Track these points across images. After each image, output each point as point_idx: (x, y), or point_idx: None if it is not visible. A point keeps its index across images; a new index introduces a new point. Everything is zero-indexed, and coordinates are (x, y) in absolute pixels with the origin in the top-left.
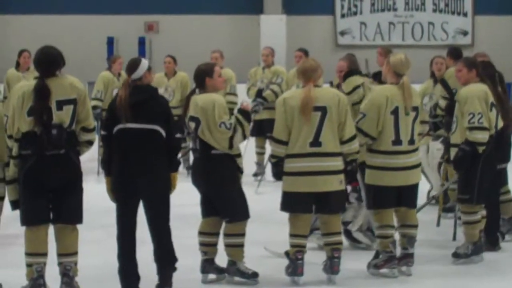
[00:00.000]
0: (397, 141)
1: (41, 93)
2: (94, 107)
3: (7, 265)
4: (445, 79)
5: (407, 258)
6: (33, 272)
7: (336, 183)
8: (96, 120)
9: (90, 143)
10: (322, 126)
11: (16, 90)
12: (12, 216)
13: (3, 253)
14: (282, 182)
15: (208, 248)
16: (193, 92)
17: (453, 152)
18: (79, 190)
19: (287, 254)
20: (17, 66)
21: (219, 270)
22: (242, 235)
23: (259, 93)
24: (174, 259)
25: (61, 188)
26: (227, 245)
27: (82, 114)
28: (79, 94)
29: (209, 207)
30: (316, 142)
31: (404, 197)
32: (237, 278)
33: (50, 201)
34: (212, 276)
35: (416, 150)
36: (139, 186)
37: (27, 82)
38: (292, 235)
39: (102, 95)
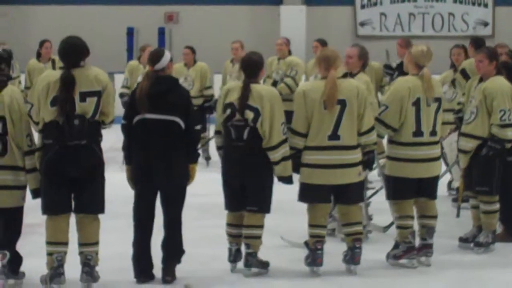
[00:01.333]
0: (418, 133)
1: (67, 83)
2: (121, 95)
3: (27, 254)
4: (465, 69)
5: (426, 248)
6: (53, 261)
7: (354, 175)
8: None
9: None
10: (341, 119)
11: (42, 79)
12: (33, 205)
13: (24, 242)
14: (300, 173)
15: (238, 239)
16: (248, 82)
17: (467, 142)
18: (101, 180)
19: (306, 244)
20: (38, 56)
21: (263, 264)
22: (262, 226)
23: (273, 85)
24: (181, 251)
25: (82, 178)
26: (249, 237)
27: (105, 107)
28: (103, 86)
29: (239, 200)
30: (334, 135)
31: (424, 188)
32: (254, 269)
33: (71, 191)
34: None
35: (438, 142)
36: (157, 176)
37: (53, 71)
38: (311, 225)
39: (127, 82)
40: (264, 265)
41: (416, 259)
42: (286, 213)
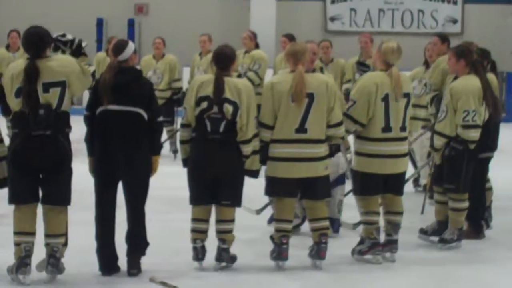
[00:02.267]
0: (387, 128)
1: (29, 75)
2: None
3: None
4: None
5: (391, 244)
6: (21, 251)
7: (321, 169)
8: None
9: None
10: (309, 113)
11: (8, 70)
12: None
13: None
14: (266, 166)
15: (204, 235)
16: (220, 74)
17: (438, 140)
18: (68, 172)
19: (272, 238)
20: (8, 46)
21: (232, 258)
22: (234, 220)
23: (238, 77)
24: (145, 243)
25: (48, 169)
26: (222, 231)
27: (75, 90)
28: (67, 76)
29: (208, 193)
30: (301, 129)
31: (391, 184)
32: (223, 263)
33: (38, 181)
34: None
35: (406, 138)
36: (119, 167)
37: (19, 62)
38: (277, 220)
39: (95, 74)
40: (233, 259)
41: (381, 255)
42: (251, 206)
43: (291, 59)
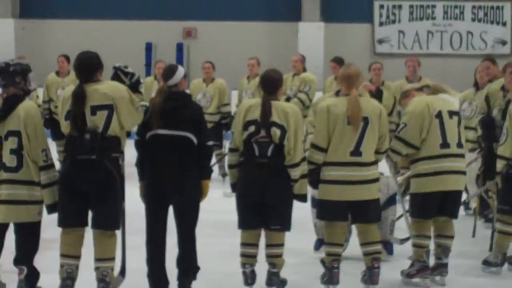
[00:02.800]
0: (445, 144)
1: (76, 98)
2: None
3: (44, 269)
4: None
5: (441, 268)
6: (63, 273)
7: (374, 192)
8: None
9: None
10: (364, 136)
11: (61, 95)
12: (50, 220)
13: (41, 257)
14: (319, 190)
15: (253, 259)
16: (267, 98)
17: (499, 163)
18: (115, 196)
19: (322, 262)
20: (58, 72)
21: (283, 282)
22: (284, 245)
23: (287, 101)
24: (195, 268)
25: (94, 193)
26: (272, 256)
27: (123, 118)
28: (114, 100)
29: (257, 218)
30: (357, 152)
31: (448, 205)
32: None
33: (86, 206)
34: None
35: (463, 155)
36: (169, 192)
37: (71, 87)
38: (328, 244)
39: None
40: (284, 283)
41: (429, 278)
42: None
43: (344, 83)
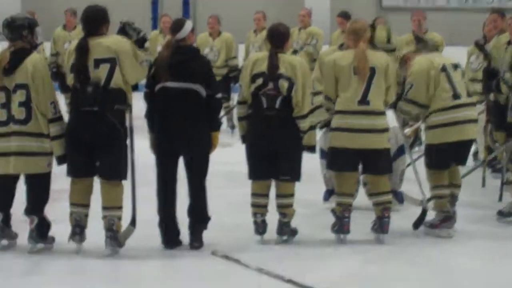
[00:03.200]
0: (456, 95)
1: (80, 51)
2: None
3: (54, 219)
4: (479, 41)
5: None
6: (72, 220)
7: (384, 141)
8: None
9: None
10: (371, 86)
11: (67, 49)
12: (61, 171)
13: (52, 208)
14: (329, 138)
15: (264, 209)
16: (275, 51)
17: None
18: (119, 147)
19: (333, 212)
20: (65, 26)
21: (293, 232)
22: (294, 195)
23: (293, 54)
24: (207, 218)
25: (98, 144)
26: (282, 206)
27: (124, 72)
28: (117, 53)
29: (267, 168)
30: (364, 101)
31: (460, 153)
32: (284, 237)
33: (92, 156)
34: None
35: (475, 104)
36: (178, 144)
37: (76, 40)
38: (338, 194)
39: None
40: (294, 233)
41: (452, 229)
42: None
43: (352, 37)
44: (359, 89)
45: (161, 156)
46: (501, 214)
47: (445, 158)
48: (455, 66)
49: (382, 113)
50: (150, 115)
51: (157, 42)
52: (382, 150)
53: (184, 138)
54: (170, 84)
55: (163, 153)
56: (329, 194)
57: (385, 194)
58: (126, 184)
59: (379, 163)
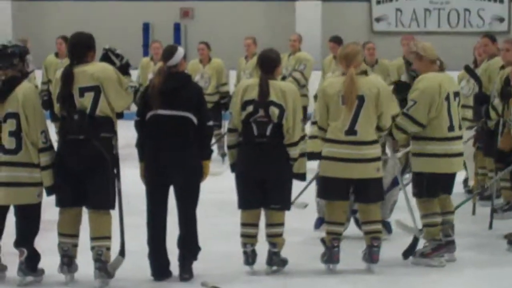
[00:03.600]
0: (452, 127)
1: (64, 80)
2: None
3: (44, 251)
4: (469, 66)
5: (451, 244)
6: (60, 251)
7: (372, 171)
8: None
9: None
10: (359, 115)
11: (55, 77)
12: (51, 202)
13: (42, 239)
14: (320, 167)
15: (253, 239)
16: (265, 78)
17: None
18: (106, 176)
19: (323, 241)
20: (57, 53)
21: (283, 262)
22: (284, 224)
23: (282, 80)
24: (197, 248)
25: (85, 173)
26: (272, 235)
27: (111, 99)
28: (101, 81)
29: (257, 197)
30: (351, 131)
31: (449, 183)
32: (274, 268)
33: (80, 186)
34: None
35: (462, 137)
36: (170, 172)
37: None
38: (328, 222)
39: (140, 79)
40: (284, 262)
41: (444, 257)
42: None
43: (343, 62)
44: (346, 118)
45: (151, 186)
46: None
47: (435, 187)
48: (456, 94)
49: (372, 142)
50: (141, 144)
51: (148, 69)
52: (372, 179)
53: (175, 166)
54: (162, 111)
55: (153, 182)
56: (320, 222)
57: (375, 223)
58: (115, 213)
59: (369, 191)
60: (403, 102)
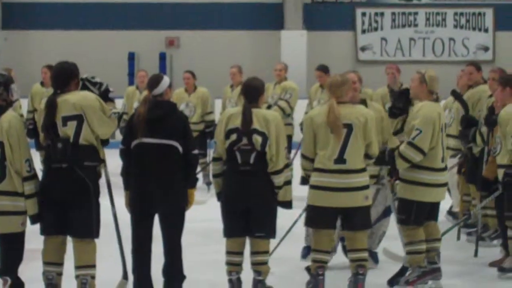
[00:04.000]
0: (443, 158)
1: (48, 109)
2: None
3: (28, 280)
4: (456, 90)
5: (436, 272)
6: (45, 279)
7: (361, 199)
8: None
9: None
10: (347, 144)
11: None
12: (35, 230)
13: (26, 268)
14: (308, 195)
15: (239, 267)
16: (248, 106)
17: (500, 172)
18: (90, 205)
19: (308, 269)
20: (42, 82)
21: None
22: (268, 252)
23: (268, 109)
24: (181, 276)
25: (68, 201)
26: (257, 263)
27: (94, 127)
28: (84, 109)
29: (241, 226)
30: (340, 159)
31: (433, 212)
32: None
33: (64, 214)
34: None
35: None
36: (155, 201)
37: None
38: (314, 250)
39: (125, 108)
40: None
41: (428, 284)
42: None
43: (328, 92)
44: (335, 147)
45: (136, 214)
46: (503, 270)
47: (423, 215)
48: (445, 126)
49: (360, 171)
50: (126, 172)
51: (134, 98)
52: (360, 208)
53: (161, 195)
54: (147, 140)
55: (138, 210)
56: (307, 251)
57: (360, 251)
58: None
59: (356, 219)
60: (396, 110)
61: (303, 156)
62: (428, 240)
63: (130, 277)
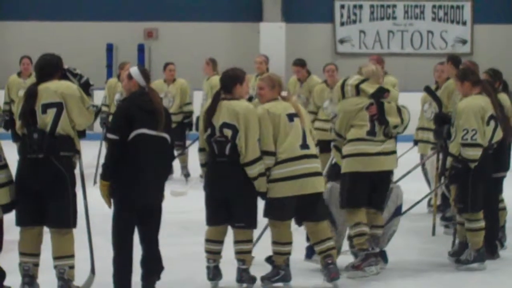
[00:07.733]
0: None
1: (28, 96)
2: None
3: (6, 271)
4: (429, 87)
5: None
6: (21, 270)
7: (323, 184)
8: (101, 126)
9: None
10: (305, 130)
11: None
12: (10, 222)
13: (3, 259)
14: (268, 189)
15: (217, 256)
16: (218, 96)
17: (449, 161)
18: (65, 195)
19: (270, 260)
20: (20, 73)
21: (252, 279)
22: (251, 240)
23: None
24: (160, 267)
25: (45, 192)
26: (241, 252)
27: (73, 116)
28: (64, 97)
29: (222, 215)
30: (305, 145)
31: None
32: (244, 285)
33: (40, 204)
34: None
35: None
36: (150, 192)
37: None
38: (276, 243)
39: (106, 100)
40: (254, 280)
41: (375, 266)
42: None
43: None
44: (298, 133)
45: (125, 206)
46: (459, 262)
47: (357, 196)
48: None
49: (317, 157)
50: (114, 163)
51: (116, 89)
52: (320, 195)
53: (155, 187)
54: (150, 132)
55: (128, 203)
56: (311, 250)
57: (326, 241)
58: (81, 231)
59: (317, 208)
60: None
61: (265, 153)
62: (370, 227)
63: (100, 271)
